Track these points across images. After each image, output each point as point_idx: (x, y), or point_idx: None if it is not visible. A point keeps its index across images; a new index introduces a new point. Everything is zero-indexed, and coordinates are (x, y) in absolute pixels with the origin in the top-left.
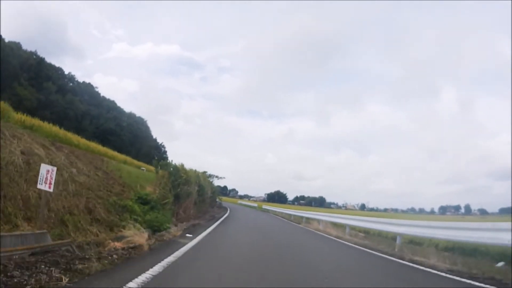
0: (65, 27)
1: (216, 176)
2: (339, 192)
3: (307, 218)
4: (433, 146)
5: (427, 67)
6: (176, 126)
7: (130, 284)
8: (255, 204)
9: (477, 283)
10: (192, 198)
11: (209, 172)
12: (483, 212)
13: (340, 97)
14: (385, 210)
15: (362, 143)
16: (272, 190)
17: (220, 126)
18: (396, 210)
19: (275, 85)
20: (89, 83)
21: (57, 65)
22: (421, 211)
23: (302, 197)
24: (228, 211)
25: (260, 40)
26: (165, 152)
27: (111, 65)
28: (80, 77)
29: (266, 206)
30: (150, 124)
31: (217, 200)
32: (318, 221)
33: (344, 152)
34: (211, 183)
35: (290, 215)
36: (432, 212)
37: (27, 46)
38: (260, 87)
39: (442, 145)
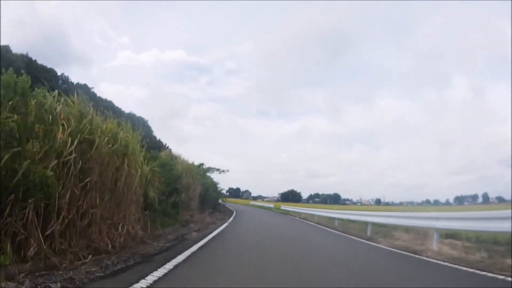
0: (69, 37)
1: (217, 169)
2: (352, 188)
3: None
4: (444, 137)
5: (437, 56)
6: (186, 130)
7: None
8: (271, 205)
9: None
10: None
11: (206, 165)
12: (501, 200)
13: (350, 93)
14: (401, 203)
15: (374, 138)
16: (285, 189)
17: (230, 128)
18: (412, 203)
19: (285, 83)
20: (84, 84)
21: (65, 75)
22: (436, 202)
23: (317, 195)
24: (231, 219)
25: (267, 39)
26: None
27: (117, 74)
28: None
29: (286, 207)
30: (161, 129)
31: (220, 201)
32: (366, 223)
33: (356, 147)
34: (209, 178)
35: (313, 215)
36: (447, 203)
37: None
38: (270, 87)
39: (453, 135)
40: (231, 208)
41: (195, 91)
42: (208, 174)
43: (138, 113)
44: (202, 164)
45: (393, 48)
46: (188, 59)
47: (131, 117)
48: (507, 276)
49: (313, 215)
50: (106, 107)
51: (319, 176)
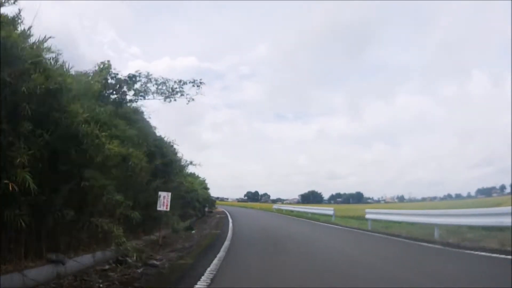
0: (79, 49)
1: (191, 163)
2: (372, 187)
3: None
4: (463, 130)
5: (456, 49)
6: (203, 137)
7: None
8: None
9: None
10: None
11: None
12: None
13: (369, 91)
14: (423, 199)
15: (393, 135)
16: (305, 191)
17: (247, 133)
18: (434, 199)
19: (301, 85)
20: None
21: None
22: (458, 196)
23: (339, 195)
24: None
25: (281, 41)
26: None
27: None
28: None
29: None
30: (178, 136)
31: (207, 209)
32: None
33: (376, 146)
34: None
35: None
36: (469, 196)
37: None
38: (286, 89)
39: (472, 127)
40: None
41: (210, 97)
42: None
43: (153, 121)
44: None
45: (411, 43)
46: (200, 65)
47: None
48: None
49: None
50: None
51: (338, 176)
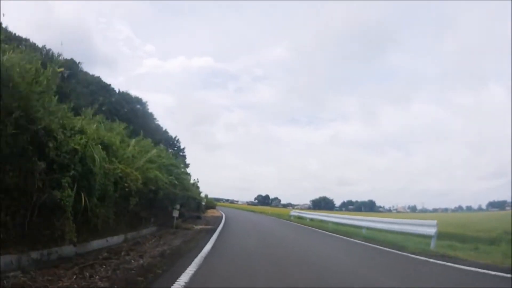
0: (94, 45)
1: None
2: (383, 194)
3: None
4: (475, 141)
5: (473, 57)
6: (216, 138)
7: None
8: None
9: None
10: None
11: None
12: None
13: (383, 96)
14: (435, 210)
15: (405, 143)
16: (315, 197)
17: (259, 136)
18: (446, 210)
19: (314, 89)
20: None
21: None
22: (469, 209)
23: (350, 202)
24: None
25: (295, 44)
26: (180, 148)
27: (143, 81)
28: None
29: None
30: (190, 136)
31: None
32: None
33: (387, 153)
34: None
35: None
36: (480, 209)
37: None
38: (299, 93)
39: (484, 138)
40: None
41: (224, 98)
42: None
43: (165, 120)
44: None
45: (428, 49)
46: (215, 66)
47: (123, 96)
48: None
49: None
50: (89, 82)
51: (348, 183)
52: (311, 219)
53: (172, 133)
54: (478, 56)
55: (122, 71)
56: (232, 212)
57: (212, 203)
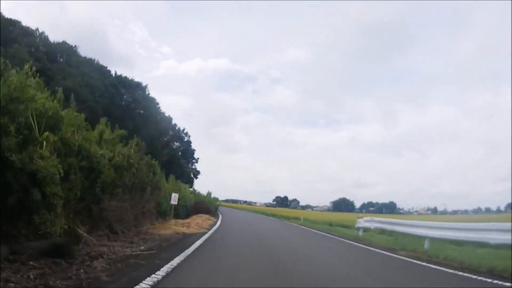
0: (110, 46)
1: None
2: (399, 196)
3: None
4: (491, 142)
5: (489, 58)
6: (233, 140)
7: None
8: None
9: None
10: None
11: None
12: None
13: (399, 97)
14: (454, 212)
15: (422, 144)
16: (334, 198)
17: (276, 137)
18: (466, 212)
19: (332, 90)
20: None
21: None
22: (488, 210)
23: (371, 204)
24: None
25: (312, 45)
26: (189, 142)
27: (160, 83)
28: None
29: None
30: (208, 139)
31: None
32: None
33: (405, 154)
34: None
35: None
36: (499, 210)
37: None
38: (317, 95)
39: (500, 139)
40: None
41: (241, 100)
42: None
43: (183, 123)
44: None
45: (443, 50)
46: (232, 67)
47: (126, 83)
48: None
49: None
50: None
51: (366, 185)
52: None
53: (190, 134)
54: (495, 56)
55: (140, 72)
56: (241, 216)
57: (212, 203)
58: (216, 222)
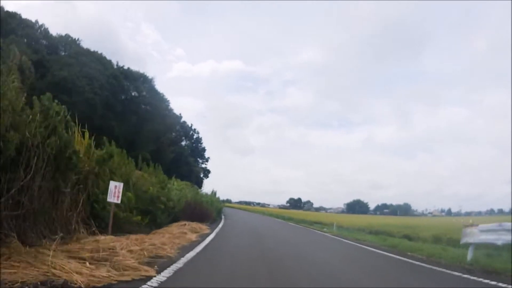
0: (123, 49)
1: None
2: (413, 198)
3: None
4: (504, 142)
5: (500, 55)
6: (247, 141)
7: None
8: None
9: None
10: None
11: None
12: None
13: (415, 98)
14: (468, 214)
15: (436, 145)
16: (348, 200)
17: (289, 139)
18: (479, 214)
19: (346, 92)
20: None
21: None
22: (500, 212)
23: (385, 205)
24: None
25: (326, 46)
26: (199, 139)
27: (173, 85)
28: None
29: None
30: (222, 140)
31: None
32: None
33: (419, 155)
34: None
35: None
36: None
37: None
38: (330, 96)
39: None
40: None
41: (255, 101)
42: None
43: (197, 124)
44: None
45: (455, 50)
46: (245, 69)
47: (133, 75)
48: None
49: None
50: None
51: (380, 186)
52: None
53: (203, 135)
54: (508, 56)
55: (152, 74)
56: (245, 229)
57: (214, 205)
58: (202, 239)
